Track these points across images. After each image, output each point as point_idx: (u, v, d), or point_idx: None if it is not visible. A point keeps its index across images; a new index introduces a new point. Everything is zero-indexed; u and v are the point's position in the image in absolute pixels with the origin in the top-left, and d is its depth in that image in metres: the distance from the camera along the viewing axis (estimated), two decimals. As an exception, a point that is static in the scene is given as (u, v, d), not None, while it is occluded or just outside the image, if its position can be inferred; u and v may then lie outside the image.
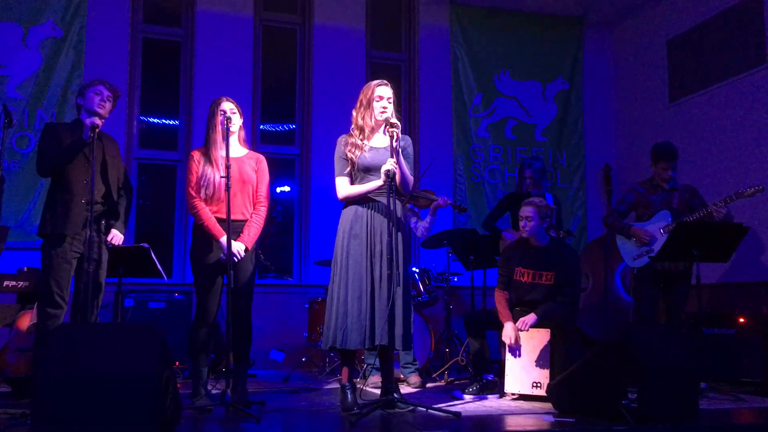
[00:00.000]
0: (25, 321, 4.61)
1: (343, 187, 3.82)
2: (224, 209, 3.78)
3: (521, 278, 4.48)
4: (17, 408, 3.60)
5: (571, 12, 7.64)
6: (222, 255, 3.82)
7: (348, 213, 3.81)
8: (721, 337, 5.13)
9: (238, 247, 3.84)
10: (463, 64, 7.33)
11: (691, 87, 6.67)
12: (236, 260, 3.80)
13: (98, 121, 3.76)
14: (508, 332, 4.31)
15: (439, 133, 7.17)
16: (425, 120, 7.19)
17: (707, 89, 6.48)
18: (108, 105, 3.95)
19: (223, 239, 3.79)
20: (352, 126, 3.89)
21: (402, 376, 4.97)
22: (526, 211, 4.43)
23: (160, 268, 4.86)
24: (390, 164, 3.58)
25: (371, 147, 3.81)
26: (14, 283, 4.89)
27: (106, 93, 3.94)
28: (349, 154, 3.79)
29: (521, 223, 4.45)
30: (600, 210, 7.22)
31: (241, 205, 3.93)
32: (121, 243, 4.03)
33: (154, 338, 2.87)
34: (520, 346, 4.32)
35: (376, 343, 3.62)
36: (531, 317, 4.32)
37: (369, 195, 3.77)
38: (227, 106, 3.94)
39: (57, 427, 2.64)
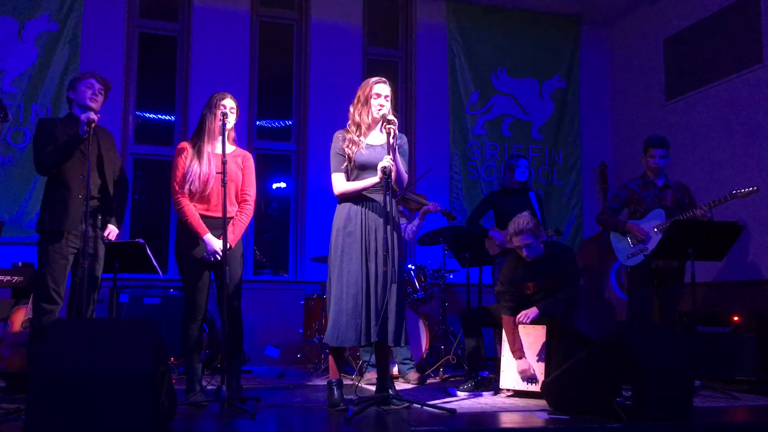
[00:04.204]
0: (20, 316, 4.60)
1: (340, 184, 3.77)
2: (209, 206, 3.81)
3: (526, 291, 4.45)
4: (11, 403, 3.58)
5: (568, 10, 7.64)
6: (205, 254, 3.80)
7: (342, 210, 3.78)
8: (715, 336, 5.15)
9: (221, 246, 3.72)
10: (460, 61, 7.33)
11: (688, 86, 6.68)
12: (219, 258, 3.74)
13: (94, 116, 3.71)
14: (523, 368, 4.28)
15: (436, 130, 7.16)
16: (422, 117, 7.18)
17: (704, 88, 6.48)
18: (100, 98, 3.90)
19: (207, 237, 3.77)
20: (349, 122, 3.86)
21: (400, 372, 4.97)
22: (522, 240, 4.31)
23: (156, 264, 4.86)
24: (387, 161, 3.56)
25: (368, 144, 3.79)
26: (9, 277, 4.89)
27: (97, 86, 3.88)
28: (347, 150, 3.76)
29: (523, 252, 4.35)
30: (596, 208, 7.23)
31: (227, 203, 3.81)
32: (116, 238, 4.02)
33: (149, 333, 2.86)
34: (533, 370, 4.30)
35: (372, 340, 3.61)
36: (533, 311, 4.30)
37: (364, 192, 3.74)
38: (229, 103, 3.88)
39: (51, 423, 2.63)
